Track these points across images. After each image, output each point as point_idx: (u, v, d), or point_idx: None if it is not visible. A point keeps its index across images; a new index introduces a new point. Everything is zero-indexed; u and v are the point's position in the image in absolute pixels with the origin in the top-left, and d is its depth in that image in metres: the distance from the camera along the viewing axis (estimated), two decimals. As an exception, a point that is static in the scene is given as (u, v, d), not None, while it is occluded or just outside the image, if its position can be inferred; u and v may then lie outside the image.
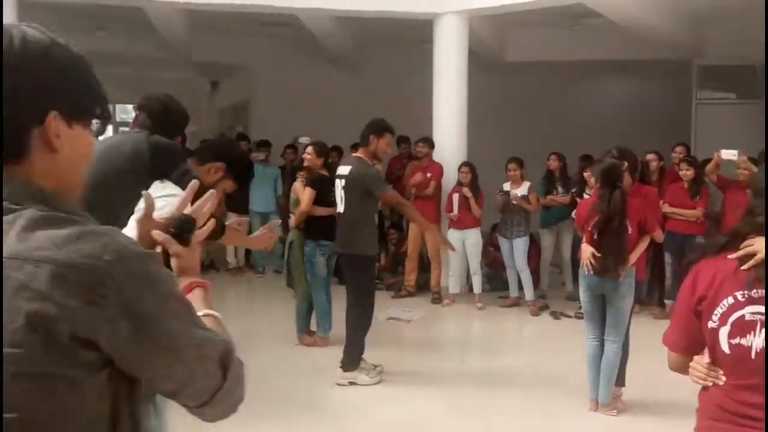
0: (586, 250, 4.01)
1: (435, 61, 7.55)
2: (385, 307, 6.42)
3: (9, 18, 6.77)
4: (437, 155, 7.30)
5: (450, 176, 7.12)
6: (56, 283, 0.83)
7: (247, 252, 8.59)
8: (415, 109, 7.98)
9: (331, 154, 6.75)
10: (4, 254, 0.84)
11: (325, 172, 5.49)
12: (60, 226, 0.87)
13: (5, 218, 0.87)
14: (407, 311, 6.70)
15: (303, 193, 5.36)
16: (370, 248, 4.63)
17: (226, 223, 2.80)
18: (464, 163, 7.03)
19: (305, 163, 5.66)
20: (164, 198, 2.18)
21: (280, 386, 4.50)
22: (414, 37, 8.66)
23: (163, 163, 2.27)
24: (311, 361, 5.11)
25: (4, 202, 0.88)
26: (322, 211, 5.20)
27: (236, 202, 6.40)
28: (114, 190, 2.18)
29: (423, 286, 7.34)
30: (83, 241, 0.86)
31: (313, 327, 5.50)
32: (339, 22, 8.61)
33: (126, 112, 17.09)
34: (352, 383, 4.56)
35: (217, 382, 0.98)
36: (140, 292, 0.89)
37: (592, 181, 4.79)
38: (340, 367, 4.61)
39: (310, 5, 7.35)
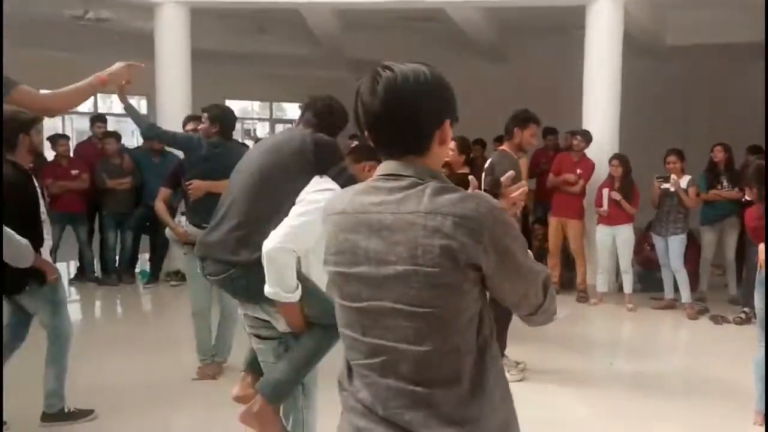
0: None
1: (587, 48, 7.23)
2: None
3: (183, 23, 7.44)
4: (590, 148, 6.99)
5: (600, 169, 6.80)
6: (456, 227, 1.29)
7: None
8: (562, 99, 7.72)
9: (473, 148, 6.72)
10: (424, 210, 1.31)
11: (466, 170, 5.46)
12: (451, 192, 1.33)
13: (418, 187, 1.34)
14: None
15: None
16: None
17: None
18: (615, 156, 6.68)
19: (446, 159, 5.68)
20: (322, 192, 2.31)
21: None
22: (563, 24, 8.37)
23: (324, 160, 2.40)
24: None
25: (414, 178, 1.36)
26: None
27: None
28: (279, 183, 2.35)
29: (568, 284, 7.09)
30: (467, 201, 1.31)
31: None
32: (485, 13, 8.52)
33: (281, 110, 18.10)
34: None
35: (540, 299, 1.42)
36: (502, 234, 1.32)
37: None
38: None
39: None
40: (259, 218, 2.33)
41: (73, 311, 5.88)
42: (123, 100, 4.85)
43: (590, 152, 6.91)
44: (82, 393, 3.95)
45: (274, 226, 2.25)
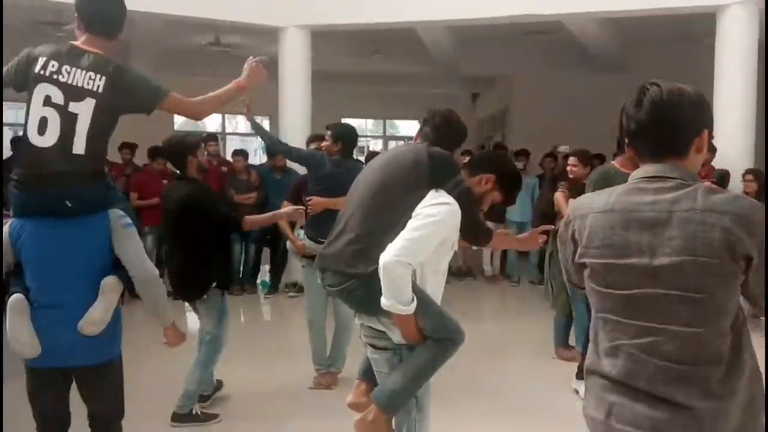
0: None
1: (717, 56, 6.80)
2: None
3: (304, 45, 7.77)
4: (719, 161, 6.57)
5: (734, 185, 6.35)
6: (733, 223, 1.47)
7: (503, 261, 8.67)
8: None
9: (594, 163, 6.50)
10: (700, 208, 1.50)
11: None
12: (721, 193, 1.53)
13: (688, 188, 1.53)
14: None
15: (564, 205, 5.24)
16: None
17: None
18: (749, 170, 6.23)
19: (570, 174, 5.52)
20: (437, 206, 2.34)
21: (526, 397, 4.48)
22: (687, 32, 7.95)
23: (440, 174, 2.42)
24: (564, 375, 4.83)
25: (680, 180, 1.56)
26: None
27: (495, 211, 6.49)
28: (395, 197, 2.41)
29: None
30: (740, 201, 1.51)
31: (572, 341, 5.34)
32: (604, 24, 8.26)
33: (393, 127, 18.43)
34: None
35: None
36: (764, 231, 1.49)
37: None
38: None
39: (577, 10, 7.16)
40: (376, 232, 2.38)
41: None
42: (249, 118, 5.14)
43: (723, 166, 6.47)
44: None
45: (391, 240, 2.29)
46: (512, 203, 2.77)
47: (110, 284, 2.58)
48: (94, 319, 2.53)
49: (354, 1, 7.54)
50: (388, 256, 2.25)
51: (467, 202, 2.43)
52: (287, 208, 4.17)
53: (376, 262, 2.29)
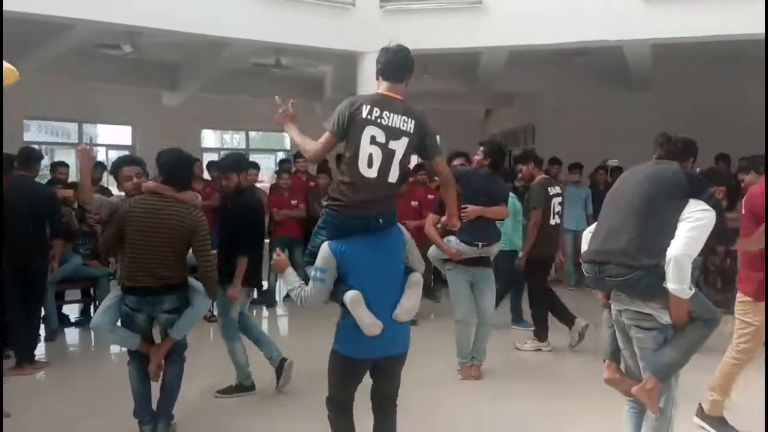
0: None
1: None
2: None
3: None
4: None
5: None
6: None
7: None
8: (733, 124, 8.00)
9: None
10: None
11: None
12: None
13: None
14: None
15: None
16: None
17: None
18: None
19: None
20: (704, 212, 2.94)
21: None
22: (718, 53, 8.66)
23: (696, 187, 3.04)
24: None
25: None
26: None
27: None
28: (665, 203, 3.01)
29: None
30: None
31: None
32: (657, 48, 8.94)
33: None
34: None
35: None
36: None
37: None
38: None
39: (639, 37, 7.84)
40: (653, 231, 2.97)
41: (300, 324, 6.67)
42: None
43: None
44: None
45: (665, 237, 2.89)
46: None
47: (417, 279, 3.12)
48: (407, 308, 3.07)
49: (431, 28, 8.15)
50: (676, 250, 2.84)
51: (719, 210, 3.05)
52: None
53: (657, 256, 2.88)
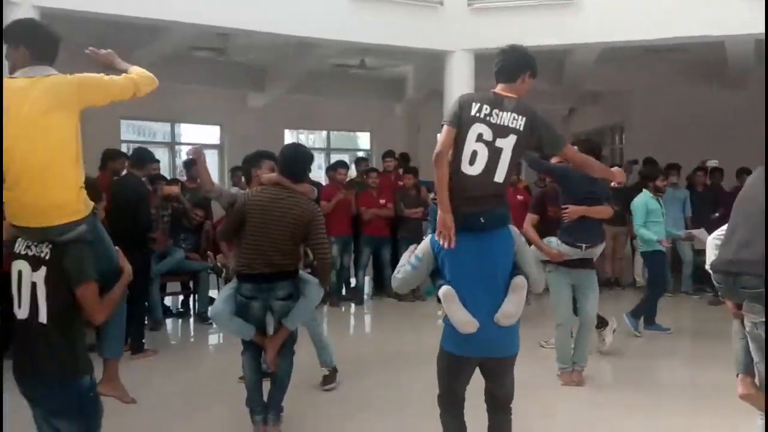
0: None
1: None
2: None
3: (469, 67, 8.27)
4: None
5: None
6: None
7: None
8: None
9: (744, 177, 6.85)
10: None
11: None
12: None
13: None
14: None
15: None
16: None
17: None
18: None
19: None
20: None
21: None
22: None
23: None
24: None
25: None
26: None
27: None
28: None
29: None
30: None
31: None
32: (759, 44, 8.55)
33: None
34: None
35: None
36: None
37: None
38: None
39: (738, 32, 7.50)
40: None
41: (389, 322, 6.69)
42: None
43: None
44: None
45: None
46: None
47: (521, 282, 3.05)
48: (509, 312, 3.00)
49: (520, 26, 8.02)
50: None
51: None
52: None
53: None
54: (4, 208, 2.47)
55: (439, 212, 3.06)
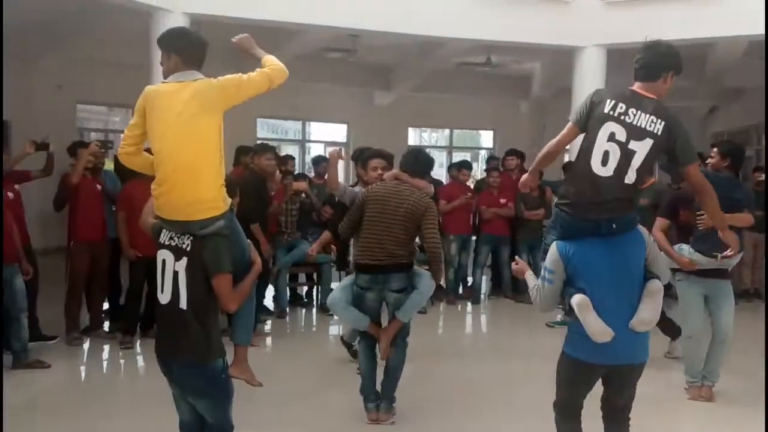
0: None
1: None
2: None
3: (601, 63, 7.97)
4: None
5: None
6: None
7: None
8: None
9: None
10: None
11: None
12: None
13: None
14: None
15: None
16: None
17: None
18: None
19: None
20: None
21: None
22: None
23: None
24: None
25: None
26: None
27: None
28: None
29: None
30: None
31: None
32: None
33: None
34: None
35: None
36: None
37: None
38: None
39: None
40: None
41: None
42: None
43: None
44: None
45: None
46: None
47: (656, 287, 2.92)
48: (645, 318, 2.88)
49: (657, 20, 7.61)
50: None
51: None
52: None
53: None
54: (154, 202, 2.74)
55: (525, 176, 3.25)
